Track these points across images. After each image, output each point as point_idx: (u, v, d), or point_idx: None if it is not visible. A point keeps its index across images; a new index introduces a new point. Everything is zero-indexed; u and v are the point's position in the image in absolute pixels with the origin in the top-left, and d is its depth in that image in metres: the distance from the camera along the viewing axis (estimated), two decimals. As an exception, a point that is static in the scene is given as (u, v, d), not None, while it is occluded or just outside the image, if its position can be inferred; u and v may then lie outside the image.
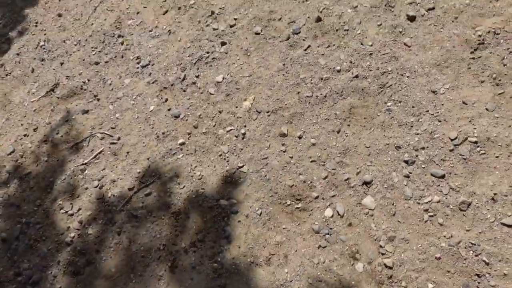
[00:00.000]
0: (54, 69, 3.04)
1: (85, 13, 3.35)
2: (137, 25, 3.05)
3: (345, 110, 2.12)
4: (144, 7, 3.14)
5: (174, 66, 2.68)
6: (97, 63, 2.93)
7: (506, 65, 1.93)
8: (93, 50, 3.03)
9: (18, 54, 3.28)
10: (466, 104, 1.92)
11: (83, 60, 3.00)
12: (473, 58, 2.01)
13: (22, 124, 2.78)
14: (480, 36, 2.04)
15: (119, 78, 2.78)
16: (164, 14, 3.02)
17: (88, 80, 2.85)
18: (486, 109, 1.88)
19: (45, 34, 3.35)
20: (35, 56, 3.21)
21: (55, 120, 2.72)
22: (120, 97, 2.67)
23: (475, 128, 1.85)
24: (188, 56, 2.69)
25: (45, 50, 3.21)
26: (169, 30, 2.89)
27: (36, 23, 3.48)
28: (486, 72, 1.96)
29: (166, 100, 2.55)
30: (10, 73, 3.16)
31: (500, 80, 1.91)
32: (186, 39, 2.78)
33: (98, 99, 2.72)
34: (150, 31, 2.96)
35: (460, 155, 1.82)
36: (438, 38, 2.12)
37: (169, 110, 2.49)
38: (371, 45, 2.25)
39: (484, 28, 2.05)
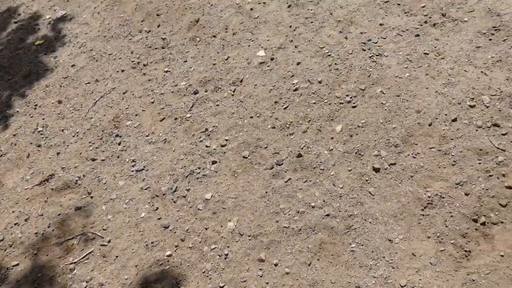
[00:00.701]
0: (50, 158, 3.27)
1: (85, 104, 3.66)
2: (135, 127, 3.38)
3: (316, 244, 2.48)
4: (143, 110, 3.50)
5: (167, 175, 3.00)
6: (93, 160, 3.20)
7: (447, 226, 2.39)
8: (90, 145, 3.31)
9: (14, 135, 3.50)
10: (415, 255, 2.34)
11: (80, 153, 3.27)
12: (423, 215, 2.47)
13: (13, 212, 2.96)
14: (429, 196, 2.51)
15: (114, 178, 3.05)
16: (161, 121, 3.38)
17: (84, 176, 3.10)
18: (430, 262, 2.30)
19: (43, 119, 3.61)
20: (31, 140, 3.44)
21: (47, 212, 2.92)
22: (114, 198, 2.93)
23: (420, 279, 2.26)
24: (181, 168, 3.02)
25: (42, 136, 3.46)
26: (165, 139, 3.24)
27: (36, 105, 3.74)
28: (432, 229, 2.40)
29: (157, 208, 2.83)
30: (5, 154, 3.37)
31: (442, 239, 2.36)
32: (180, 150, 3.13)
33: (92, 197, 2.96)
34: (147, 136, 3.29)
35: (408, 302, 2.20)
36: (397, 192, 2.58)
37: (159, 219, 2.77)
38: (342, 188, 2.67)
39: (433, 190, 2.53)
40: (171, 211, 2.79)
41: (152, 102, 3.51)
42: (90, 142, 3.33)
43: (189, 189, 2.88)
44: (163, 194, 2.89)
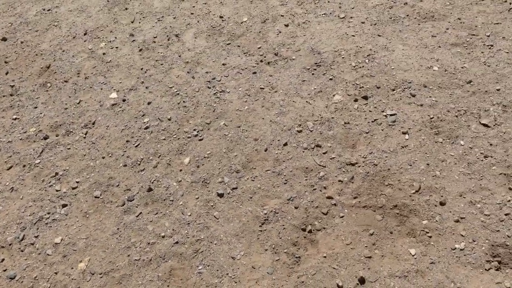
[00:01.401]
0: None
1: None
2: (-22, 178, 3.23)
3: (166, 272, 2.62)
4: (-12, 160, 3.36)
5: (14, 224, 2.92)
6: None
7: (281, 238, 2.70)
8: None
9: None
10: (255, 268, 2.60)
11: None
12: (261, 231, 2.76)
13: None
14: (266, 214, 2.82)
15: (-48, 235, 2.88)
16: (8, 169, 3.29)
17: None
18: (267, 272, 2.57)
19: None
20: None
21: None
22: (-48, 256, 2.76)
23: (259, 289, 2.51)
24: (29, 215, 2.97)
25: None
26: (12, 187, 3.15)
27: None
28: (268, 242, 2.70)
29: (3, 260, 2.74)
30: None
31: (277, 250, 2.66)
32: (29, 197, 3.08)
33: None
34: (-8, 186, 3.17)
35: (249, 311, 2.43)
36: (238, 213, 2.85)
37: (4, 271, 2.68)
38: (190, 215, 2.87)
39: (269, 207, 2.85)
40: (18, 261, 2.72)
41: (-1, 151, 3.41)
42: None
43: (37, 236, 2.84)
44: (10, 244, 2.80)
